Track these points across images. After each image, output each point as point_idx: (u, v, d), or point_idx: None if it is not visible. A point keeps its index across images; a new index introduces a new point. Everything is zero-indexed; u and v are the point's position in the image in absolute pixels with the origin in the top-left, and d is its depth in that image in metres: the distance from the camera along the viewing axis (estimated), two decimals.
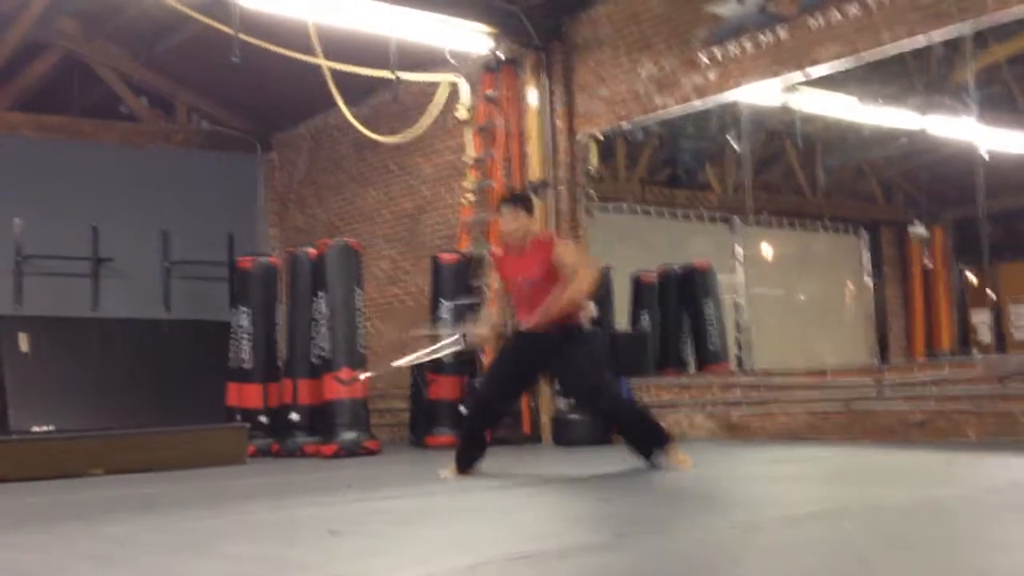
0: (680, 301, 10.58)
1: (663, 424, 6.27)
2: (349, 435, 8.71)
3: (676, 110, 8.98)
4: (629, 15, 9.21)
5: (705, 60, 8.62)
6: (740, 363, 10.13)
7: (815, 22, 7.90)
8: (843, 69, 7.92)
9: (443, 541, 3.63)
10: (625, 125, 9.45)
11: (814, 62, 7.97)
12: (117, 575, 3.22)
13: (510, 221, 6.00)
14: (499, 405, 6.34)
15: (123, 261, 11.70)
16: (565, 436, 8.71)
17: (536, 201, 9.52)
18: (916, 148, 10.94)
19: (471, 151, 10.28)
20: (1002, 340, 10.64)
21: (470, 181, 10.25)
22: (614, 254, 10.07)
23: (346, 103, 9.88)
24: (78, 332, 11.30)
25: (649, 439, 5.83)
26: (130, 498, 5.86)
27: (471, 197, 10.23)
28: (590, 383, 5.99)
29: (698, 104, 8.84)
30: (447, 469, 5.99)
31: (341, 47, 9.37)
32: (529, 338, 5.89)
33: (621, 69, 9.29)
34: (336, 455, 8.53)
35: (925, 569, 2.71)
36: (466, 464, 6.01)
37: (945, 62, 9.11)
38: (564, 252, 5.95)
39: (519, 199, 6.20)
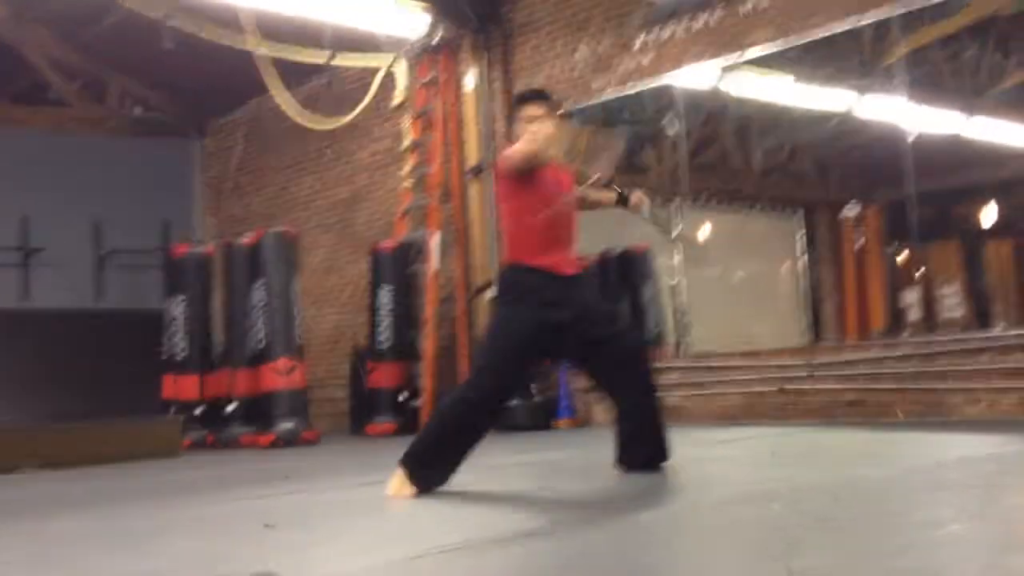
0: (619, 285, 10.63)
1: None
2: (287, 425, 8.66)
3: (613, 93, 9.01)
4: None
5: (640, 43, 8.66)
6: (679, 346, 10.19)
7: (746, 6, 7.98)
8: (776, 52, 8.01)
9: (381, 533, 3.63)
10: (564, 109, 9.45)
11: (748, 45, 8.04)
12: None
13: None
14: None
15: (54, 251, 11.50)
16: (505, 421, 8.72)
17: (473, 185, 9.58)
18: (847, 129, 11.07)
19: (409, 136, 10.23)
20: (931, 320, 10.83)
21: (408, 166, 10.20)
22: None
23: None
24: (8, 324, 11.12)
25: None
26: (63, 494, 5.78)
27: (409, 183, 10.18)
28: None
29: (634, 88, 8.89)
30: (402, 487, 4.41)
31: (276, 31, 9.25)
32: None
33: (558, 53, 9.29)
34: (273, 445, 8.48)
35: (852, 549, 2.76)
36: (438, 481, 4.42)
37: (876, 44, 9.23)
38: None
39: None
